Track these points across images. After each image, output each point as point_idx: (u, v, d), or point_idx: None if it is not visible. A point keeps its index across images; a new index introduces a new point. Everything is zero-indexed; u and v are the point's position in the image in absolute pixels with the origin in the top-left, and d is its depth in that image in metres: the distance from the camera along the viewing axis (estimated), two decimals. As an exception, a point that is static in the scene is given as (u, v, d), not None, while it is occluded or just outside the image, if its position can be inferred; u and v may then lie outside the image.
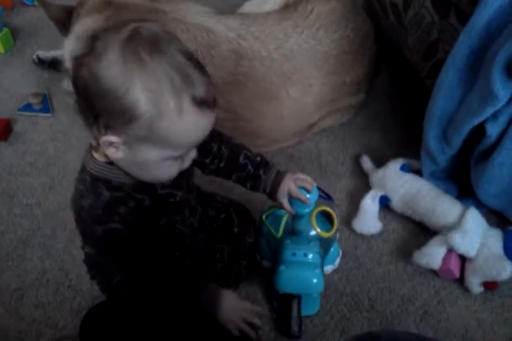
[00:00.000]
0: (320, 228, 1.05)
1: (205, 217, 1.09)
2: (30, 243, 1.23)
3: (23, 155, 1.43)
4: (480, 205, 1.19)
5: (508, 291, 1.14)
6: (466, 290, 1.14)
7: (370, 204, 1.23)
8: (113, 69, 0.69)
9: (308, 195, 0.96)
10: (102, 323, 1.05)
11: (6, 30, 1.72)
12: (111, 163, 0.80)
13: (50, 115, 1.53)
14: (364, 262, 1.20)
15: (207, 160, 0.98)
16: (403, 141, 1.45)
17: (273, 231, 1.05)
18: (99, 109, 0.71)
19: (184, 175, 0.87)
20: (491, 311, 1.12)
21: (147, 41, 0.70)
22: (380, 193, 1.24)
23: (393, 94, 1.61)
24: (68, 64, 1.38)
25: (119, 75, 0.69)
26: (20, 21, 1.86)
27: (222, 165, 0.98)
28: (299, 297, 1.04)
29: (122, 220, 0.82)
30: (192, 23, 1.27)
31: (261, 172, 0.99)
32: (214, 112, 0.76)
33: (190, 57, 0.73)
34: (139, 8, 1.29)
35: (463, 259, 1.14)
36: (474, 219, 1.13)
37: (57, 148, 1.45)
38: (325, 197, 1.06)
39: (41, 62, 1.66)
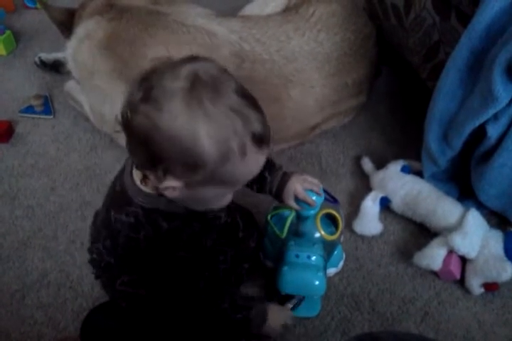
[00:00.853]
0: (324, 231, 1.05)
1: None
2: (32, 244, 1.23)
3: (24, 156, 1.43)
4: (480, 206, 1.19)
5: (508, 292, 1.14)
6: (466, 291, 1.14)
7: (370, 205, 1.23)
8: (178, 121, 0.67)
9: (314, 197, 0.96)
10: (102, 324, 1.05)
11: (8, 32, 1.73)
12: (161, 194, 0.78)
13: (51, 117, 1.53)
14: (365, 263, 1.20)
15: None
16: (404, 142, 1.45)
17: (277, 231, 1.05)
18: (160, 157, 0.70)
19: None
20: (491, 312, 1.12)
21: (208, 87, 0.68)
22: (381, 194, 1.25)
23: (394, 96, 1.62)
24: (70, 66, 1.39)
25: (185, 126, 0.67)
26: (22, 24, 1.87)
27: None
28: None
29: (186, 247, 0.83)
30: (193, 25, 1.27)
31: (266, 174, 0.98)
32: (269, 147, 0.75)
33: (245, 94, 0.72)
34: (141, 10, 1.30)
35: (463, 260, 1.15)
36: (475, 221, 1.13)
37: (59, 150, 1.45)
38: (331, 199, 1.06)
39: (43, 65, 1.67)
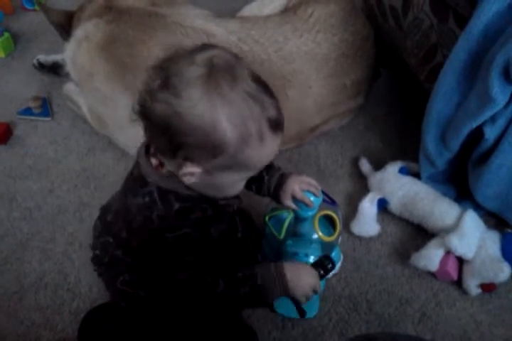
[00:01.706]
0: (322, 232, 1.05)
1: None
2: (29, 246, 1.23)
3: (22, 158, 1.43)
4: (478, 208, 1.19)
5: (505, 293, 1.15)
6: (463, 292, 1.14)
7: (368, 206, 1.23)
8: (198, 108, 0.69)
9: (312, 198, 0.97)
10: (100, 326, 1.05)
11: (6, 34, 1.73)
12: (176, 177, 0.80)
13: (49, 119, 1.54)
14: (362, 264, 1.20)
15: None
16: (402, 143, 1.46)
17: (275, 232, 1.06)
18: (181, 143, 0.72)
19: None
20: (488, 313, 1.12)
21: (225, 72, 0.70)
22: (379, 196, 1.25)
23: (392, 98, 1.62)
24: (68, 68, 1.39)
25: (206, 112, 0.69)
26: (20, 26, 1.87)
27: None
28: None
29: (193, 225, 0.84)
30: (191, 26, 1.27)
31: (264, 174, 0.99)
32: (283, 131, 0.77)
33: (259, 80, 0.74)
34: (140, 12, 1.30)
35: (461, 261, 1.15)
36: (472, 222, 1.13)
37: (57, 152, 1.45)
38: (329, 201, 1.06)
39: (42, 67, 1.67)
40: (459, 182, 1.23)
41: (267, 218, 1.09)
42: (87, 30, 1.31)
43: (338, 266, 1.16)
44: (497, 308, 1.13)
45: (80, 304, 1.13)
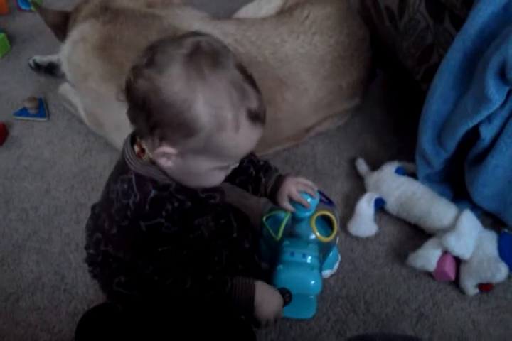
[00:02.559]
0: (319, 232, 1.06)
1: None
2: (26, 247, 1.23)
3: (18, 159, 1.43)
4: (475, 207, 1.19)
5: (502, 293, 1.15)
6: (461, 292, 1.14)
7: (365, 207, 1.24)
8: (176, 84, 0.70)
9: (309, 200, 0.97)
10: (97, 327, 1.05)
11: (2, 35, 1.72)
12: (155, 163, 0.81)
13: (45, 119, 1.53)
14: (360, 265, 1.20)
15: None
16: (398, 144, 1.46)
17: (272, 233, 1.06)
18: (157, 121, 0.73)
19: None
20: (486, 313, 1.12)
21: (208, 56, 0.72)
22: (376, 196, 1.25)
23: (388, 98, 1.62)
24: (64, 69, 1.39)
25: (182, 90, 0.70)
26: (16, 26, 1.87)
27: None
28: None
29: (168, 216, 0.83)
30: (188, 28, 1.27)
31: (261, 175, 0.99)
32: (264, 125, 0.77)
33: (245, 71, 0.75)
34: (136, 13, 1.30)
35: (458, 261, 1.15)
36: (469, 222, 1.13)
37: (53, 153, 1.45)
38: (326, 201, 1.07)
39: (37, 67, 1.66)
40: (455, 182, 1.23)
41: (264, 218, 1.09)
42: (83, 31, 1.31)
43: (336, 266, 1.17)
44: (494, 308, 1.13)
45: (77, 305, 1.12)
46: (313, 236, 1.06)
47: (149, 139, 0.77)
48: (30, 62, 1.67)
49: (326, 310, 1.12)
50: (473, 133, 1.07)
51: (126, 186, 0.83)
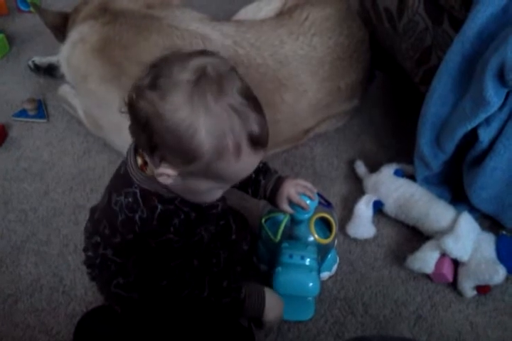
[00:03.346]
0: (318, 234, 1.06)
1: None
2: (25, 249, 1.23)
3: (17, 160, 1.43)
4: (473, 210, 1.19)
5: (500, 295, 1.15)
6: (459, 294, 1.14)
7: (363, 209, 1.24)
8: (180, 113, 0.69)
9: (308, 202, 0.97)
10: (96, 329, 1.05)
11: (1, 35, 1.72)
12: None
13: (45, 121, 1.53)
14: (358, 267, 1.20)
15: None
16: (397, 146, 1.46)
17: (271, 235, 1.06)
18: (158, 143, 0.73)
19: None
20: (484, 315, 1.12)
21: (213, 83, 0.70)
22: (374, 198, 1.25)
23: (387, 100, 1.62)
24: (63, 70, 1.39)
25: (185, 119, 0.69)
26: (16, 27, 1.87)
27: None
28: None
29: (175, 231, 0.84)
30: (187, 29, 1.28)
31: (261, 178, 0.99)
32: (266, 149, 0.77)
33: (248, 95, 0.74)
34: (135, 14, 1.30)
35: (456, 263, 1.15)
36: (467, 224, 1.13)
37: (52, 154, 1.45)
38: (325, 203, 1.07)
39: (37, 68, 1.66)
40: (454, 185, 1.23)
41: (263, 220, 1.09)
42: (82, 32, 1.31)
43: (334, 268, 1.17)
44: (492, 310, 1.13)
45: (75, 307, 1.13)
46: (311, 239, 1.06)
47: (150, 156, 0.77)
48: (30, 63, 1.67)
49: (324, 312, 1.12)
50: (472, 136, 1.07)
51: (131, 200, 0.82)
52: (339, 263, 1.18)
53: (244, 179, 0.97)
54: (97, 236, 0.97)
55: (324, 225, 1.10)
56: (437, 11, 1.17)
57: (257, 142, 0.73)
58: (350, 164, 1.41)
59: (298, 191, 0.97)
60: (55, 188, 1.36)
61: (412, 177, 1.27)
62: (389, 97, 1.63)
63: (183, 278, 0.90)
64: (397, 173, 1.28)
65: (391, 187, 1.24)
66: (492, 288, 1.14)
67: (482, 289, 1.12)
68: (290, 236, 1.06)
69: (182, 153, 0.72)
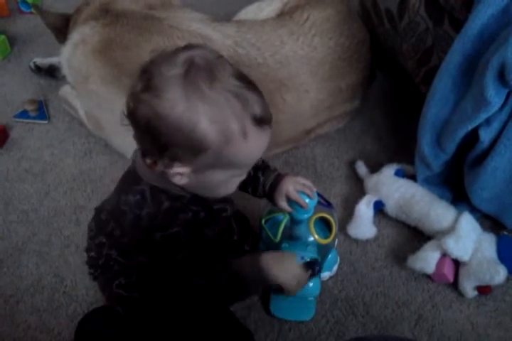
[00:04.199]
0: (318, 234, 1.06)
1: None
2: (26, 249, 1.23)
3: (18, 161, 1.43)
4: (474, 210, 1.19)
5: (501, 295, 1.15)
6: (460, 294, 1.14)
7: (364, 209, 1.24)
8: (177, 108, 0.69)
9: (307, 200, 0.96)
10: (97, 329, 1.05)
11: (2, 37, 1.73)
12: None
13: (46, 122, 1.54)
14: (359, 267, 1.20)
15: None
16: (398, 146, 1.46)
17: (271, 235, 1.06)
18: (165, 144, 0.72)
19: None
20: (485, 315, 1.12)
21: (204, 72, 0.70)
22: (375, 198, 1.25)
23: (388, 100, 1.63)
24: (65, 71, 1.39)
25: (184, 113, 0.69)
26: (17, 28, 1.87)
27: None
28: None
29: (183, 225, 0.84)
30: (188, 30, 1.28)
31: (259, 175, 1.00)
32: (271, 125, 0.77)
33: (242, 77, 0.74)
34: (136, 15, 1.30)
35: (457, 264, 1.15)
36: (468, 224, 1.13)
37: (53, 155, 1.45)
38: (324, 203, 1.06)
39: (38, 69, 1.67)
40: (455, 185, 1.23)
41: (263, 221, 1.09)
42: (84, 33, 1.31)
43: (335, 268, 1.17)
44: (493, 310, 1.13)
45: (76, 307, 1.13)
46: (311, 239, 1.06)
47: (160, 160, 0.76)
48: (31, 64, 1.67)
49: (325, 313, 1.12)
50: (473, 136, 1.07)
51: (139, 197, 0.83)
52: (340, 264, 1.18)
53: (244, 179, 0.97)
54: (102, 236, 0.96)
55: (324, 225, 1.10)
56: (438, 12, 1.17)
57: (261, 120, 0.73)
58: (351, 164, 1.41)
59: (297, 189, 0.96)
60: (56, 189, 1.36)
61: (412, 178, 1.27)
62: (390, 98, 1.63)
63: (182, 272, 0.90)
64: (398, 174, 1.28)
65: (392, 187, 1.24)
66: (493, 289, 1.13)
67: (483, 290, 1.12)
68: (290, 236, 1.06)
69: (190, 146, 0.71)
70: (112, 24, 1.28)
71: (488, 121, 1.03)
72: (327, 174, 1.41)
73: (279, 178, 0.98)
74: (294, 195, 0.96)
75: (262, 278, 0.91)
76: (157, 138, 0.72)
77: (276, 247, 1.06)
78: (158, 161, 0.76)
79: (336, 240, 1.16)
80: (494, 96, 0.97)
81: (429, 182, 1.25)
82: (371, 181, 1.29)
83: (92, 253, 1.01)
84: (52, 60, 1.64)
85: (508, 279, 1.13)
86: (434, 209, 1.19)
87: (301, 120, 1.38)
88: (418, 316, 1.12)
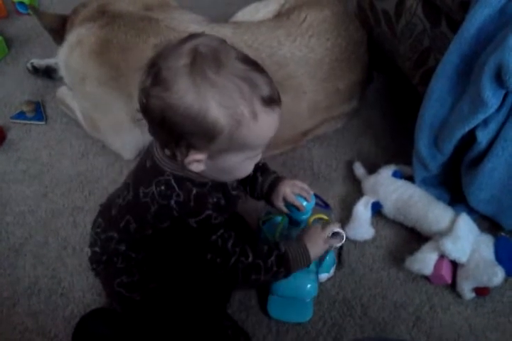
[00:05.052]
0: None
1: None
2: (23, 251, 1.23)
3: (16, 162, 1.43)
4: (471, 211, 1.19)
5: (499, 297, 1.15)
6: (458, 295, 1.14)
7: (362, 210, 1.24)
8: (188, 97, 0.71)
9: (304, 203, 0.97)
10: (94, 331, 1.04)
11: (0, 38, 1.72)
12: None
13: (43, 123, 1.53)
14: (357, 268, 1.20)
15: None
16: (395, 147, 1.46)
17: (269, 237, 1.06)
18: (180, 133, 0.74)
19: None
20: (482, 317, 1.12)
21: (209, 59, 0.72)
22: (373, 199, 1.25)
23: (386, 101, 1.62)
24: (62, 72, 1.39)
25: (195, 101, 0.71)
26: (14, 30, 1.87)
27: None
28: None
29: (213, 207, 0.85)
30: (185, 31, 1.27)
31: (258, 175, 1.01)
32: (280, 105, 0.78)
33: (247, 60, 0.76)
34: (133, 16, 1.30)
35: (455, 265, 1.15)
36: (466, 225, 1.13)
37: (50, 156, 1.45)
38: (322, 204, 1.07)
39: (35, 70, 1.66)
40: (452, 186, 1.23)
41: (260, 222, 1.09)
42: (81, 35, 1.31)
43: (332, 269, 1.16)
44: (491, 312, 1.13)
45: (73, 309, 1.12)
46: (309, 240, 1.06)
47: (176, 149, 0.78)
48: (28, 65, 1.67)
49: (322, 314, 1.12)
50: (470, 137, 1.07)
51: (163, 187, 0.83)
52: (337, 265, 1.18)
53: (244, 178, 0.97)
54: (112, 231, 0.96)
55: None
56: (435, 13, 1.17)
57: (270, 100, 0.75)
58: (349, 165, 1.41)
59: (294, 191, 0.98)
60: (53, 190, 1.36)
61: (410, 179, 1.27)
62: (387, 99, 1.63)
63: (226, 248, 0.89)
64: (396, 175, 1.28)
65: (389, 188, 1.24)
66: (491, 290, 1.13)
67: (481, 291, 1.12)
68: (288, 237, 1.06)
69: (204, 133, 0.73)
70: (109, 25, 1.28)
71: (485, 122, 1.03)
72: (325, 175, 1.40)
73: (277, 180, 1.00)
74: (291, 198, 0.97)
75: (308, 259, 0.93)
76: (172, 129, 0.74)
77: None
78: (176, 151, 0.78)
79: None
80: (491, 97, 0.97)
81: (427, 184, 1.25)
82: (369, 182, 1.29)
83: (96, 249, 1.01)
84: (50, 61, 1.64)
85: (505, 280, 1.12)
86: (431, 211, 1.19)
87: (298, 121, 1.37)
88: (416, 318, 1.12)
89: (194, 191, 0.83)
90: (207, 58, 0.72)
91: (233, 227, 1.09)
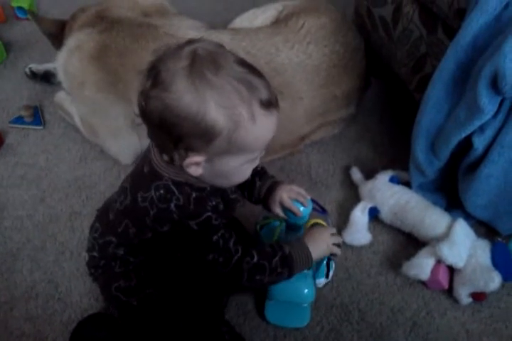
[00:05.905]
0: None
1: None
2: (20, 255, 1.23)
3: (13, 167, 1.43)
4: (468, 217, 1.20)
5: (496, 302, 1.15)
6: (454, 301, 1.15)
7: (359, 215, 1.24)
8: (186, 98, 0.72)
9: (301, 208, 0.97)
10: (91, 336, 1.04)
11: (-2, 43, 1.73)
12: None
13: (41, 127, 1.53)
14: (354, 273, 1.20)
15: None
16: (392, 153, 1.47)
17: (266, 241, 1.06)
18: (178, 135, 0.75)
19: None
20: (479, 322, 1.12)
21: (208, 61, 0.73)
22: (370, 205, 1.25)
23: (383, 107, 1.63)
24: (60, 77, 1.39)
25: (193, 102, 0.72)
26: (13, 34, 1.87)
27: None
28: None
29: (212, 209, 0.85)
30: (183, 37, 1.26)
31: (256, 179, 1.01)
32: (278, 108, 0.79)
33: (245, 64, 0.77)
34: (132, 22, 1.31)
35: (451, 270, 1.15)
36: (462, 231, 1.14)
37: (48, 161, 1.45)
38: (319, 209, 1.07)
39: (34, 75, 1.67)
40: (449, 191, 1.24)
41: (258, 227, 1.10)
42: (79, 40, 1.31)
43: (330, 274, 1.16)
44: (488, 317, 1.13)
45: (71, 314, 1.12)
46: (306, 245, 1.06)
47: (175, 153, 0.78)
48: (27, 70, 1.67)
49: (320, 319, 1.12)
50: (467, 143, 1.08)
51: (162, 191, 0.84)
52: (335, 270, 1.18)
53: (242, 182, 0.98)
54: (110, 236, 0.97)
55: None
56: (432, 20, 1.18)
57: (268, 103, 0.76)
58: (346, 171, 1.41)
59: (291, 196, 0.98)
60: (51, 195, 1.36)
61: (407, 184, 1.28)
62: (385, 104, 1.64)
63: (228, 247, 0.89)
64: (393, 180, 1.29)
65: (386, 193, 1.25)
66: (488, 295, 1.14)
67: (478, 296, 1.13)
68: (285, 242, 1.06)
69: (202, 134, 0.74)
70: (108, 31, 1.29)
71: (481, 129, 1.04)
72: (322, 180, 1.41)
73: (274, 185, 1.00)
74: (288, 203, 0.97)
75: (309, 261, 0.94)
76: (171, 131, 0.75)
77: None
78: (174, 154, 0.78)
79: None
80: (487, 103, 0.97)
81: (424, 189, 1.25)
82: (366, 187, 1.29)
83: (94, 253, 1.01)
84: (48, 66, 1.64)
85: (502, 286, 1.13)
86: (428, 216, 1.19)
87: (295, 127, 1.38)
88: (413, 323, 1.12)
89: (193, 195, 0.84)
90: (206, 60, 0.73)
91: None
